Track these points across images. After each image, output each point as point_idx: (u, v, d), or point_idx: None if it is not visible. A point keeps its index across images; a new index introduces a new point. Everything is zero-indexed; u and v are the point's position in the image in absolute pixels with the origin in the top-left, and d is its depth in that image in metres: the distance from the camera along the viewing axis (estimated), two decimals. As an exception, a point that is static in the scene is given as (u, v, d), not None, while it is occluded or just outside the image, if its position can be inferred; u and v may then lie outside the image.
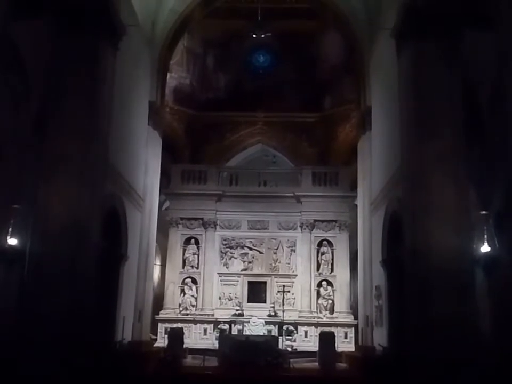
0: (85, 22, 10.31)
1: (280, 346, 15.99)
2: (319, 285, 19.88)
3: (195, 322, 19.27)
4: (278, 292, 19.47)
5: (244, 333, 17.29)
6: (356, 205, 17.97)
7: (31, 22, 9.67)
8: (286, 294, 19.18)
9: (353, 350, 17.36)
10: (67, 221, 9.56)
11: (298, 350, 17.89)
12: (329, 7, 16.66)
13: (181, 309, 19.79)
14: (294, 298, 19.84)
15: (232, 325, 18.52)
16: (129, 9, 13.46)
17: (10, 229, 10.22)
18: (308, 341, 18.70)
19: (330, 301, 19.71)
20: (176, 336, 15.43)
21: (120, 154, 13.07)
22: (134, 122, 14.78)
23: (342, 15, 16.53)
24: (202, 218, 20.56)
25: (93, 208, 10.15)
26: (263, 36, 20.90)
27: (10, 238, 10.23)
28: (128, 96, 13.81)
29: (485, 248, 10.32)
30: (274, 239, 20.65)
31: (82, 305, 9.49)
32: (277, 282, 19.97)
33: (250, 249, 20.61)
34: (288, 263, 20.46)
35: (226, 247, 20.66)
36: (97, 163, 10.40)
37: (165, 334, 17.77)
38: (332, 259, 20.19)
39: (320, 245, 20.29)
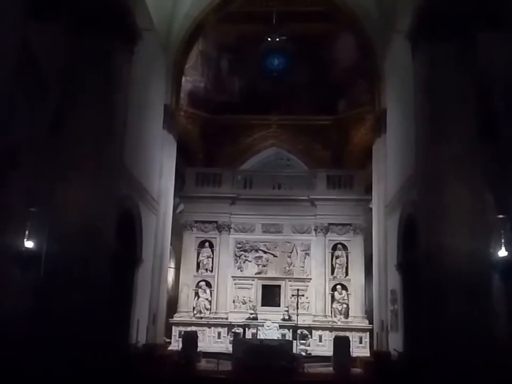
0: (101, 26, 10.36)
1: (294, 351, 15.90)
2: (334, 288, 19.81)
3: (209, 325, 19.26)
4: (292, 295, 19.37)
5: (258, 337, 17.26)
6: (371, 208, 17.87)
7: (47, 25, 9.76)
8: (300, 298, 19.09)
9: (368, 355, 17.25)
10: (82, 224, 9.59)
11: (312, 354, 17.81)
12: (343, 9, 16.62)
13: (195, 312, 19.83)
14: (308, 302, 19.77)
15: (246, 329, 18.50)
16: (145, 13, 13.54)
17: (27, 232, 10.32)
18: (322, 345, 18.60)
19: (345, 305, 19.62)
20: (190, 339, 15.46)
21: (135, 158, 13.14)
22: (149, 126, 14.86)
23: (356, 17, 16.48)
24: (216, 222, 20.59)
25: (108, 211, 10.19)
26: (277, 39, 20.95)
27: (27, 240, 10.34)
28: (143, 99, 13.89)
29: (502, 252, 10.20)
30: (289, 242, 20.62)
31: (97, 307, 9.52)
32: (291, 286, 19.89)
33: (265, 252, 20.61)
34: (303, 267, 20.40)
35: (241, 250, 20.66)
36: (113, 166, 10.44)
37: (179, 337, 17.83)
38: (347, 263, 20.10)
39: (334, 248, 20.23)
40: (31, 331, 9.11)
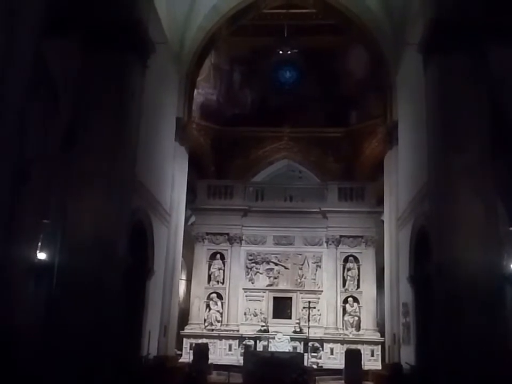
0: (115, 40, 10.50)
1: (305, 363, 15.82)
2: (345, 301, 19.68)
3: (220, 338, 19.20)
4: (304, 308, 19.29)
5: (269, 349, 17.19)
6: (382, 221, 17.82)
7: (61, 39, 9.90)
8: (312, 310, 18.98)
9: (380, 368, 17.08)
10: (95, 236, 9.67)
11: (324, 367, 17.71)
12: (354, 22, 16.70)
13: (206, 324, 19.78)
14: (320, 315, 19.65)
15: (257, 341, 18.41)
16: (158, 27, 13.72)
17: (39, 243, 10.40)
18: (333, 358, 18.46)
19: (356, 318, 19.48)
20: (201, 351, 15.45)
21: (148, 170, 13.23)
22: (161, 138, 14.98)
23: (367, 30, 16.55)
24: (228, 234, 20.60)
25: (121, 223, 10.26)
26: (289, 52, 21.08)
27: (39, 252, 10.41)
28: (155, 112, 14.01)
29: (515, 264, 10.12)
30: (300, 254, 20.55)
31: (109, 319, 9.56)
32: (302, 298, 19.80)
33: (276, 264, 20.55)
34: (314, 279, 20.31)
35: (252, 262, 20.63)
36: (125, 179, 10.53)
37: (190, 349, 17.78)
38: (358, 275, 19.98)
39: (346, 260, 20.13)
40: (43, 342, 9.16)
